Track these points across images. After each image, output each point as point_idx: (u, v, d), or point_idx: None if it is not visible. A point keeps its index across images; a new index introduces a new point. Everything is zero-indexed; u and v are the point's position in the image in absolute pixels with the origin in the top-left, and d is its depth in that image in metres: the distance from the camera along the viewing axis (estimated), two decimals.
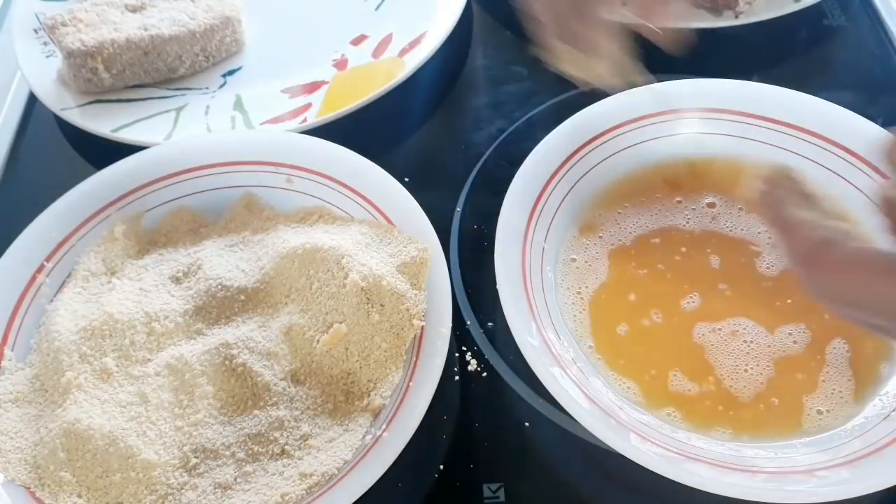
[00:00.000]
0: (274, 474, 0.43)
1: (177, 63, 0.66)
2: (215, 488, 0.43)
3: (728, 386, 0.46)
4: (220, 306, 0.49)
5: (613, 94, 0.55)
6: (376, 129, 0.64)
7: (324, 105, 0.63)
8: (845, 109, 0.53)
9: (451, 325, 0.46)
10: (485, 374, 0.50)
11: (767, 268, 0.51)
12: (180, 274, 0.51)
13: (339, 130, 0.60)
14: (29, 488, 0.43)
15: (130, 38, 0.63)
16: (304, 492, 0.42)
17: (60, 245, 0.52)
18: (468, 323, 0.52)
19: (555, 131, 0.53)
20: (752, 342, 0.47)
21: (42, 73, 0.66)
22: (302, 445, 0.44)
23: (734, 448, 0.43)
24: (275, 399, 0.45)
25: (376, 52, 0.68)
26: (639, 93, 0.56)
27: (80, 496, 0.43)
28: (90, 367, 0.46)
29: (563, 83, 0.67)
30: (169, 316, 0.48)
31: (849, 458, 0.41)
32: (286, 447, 0.44)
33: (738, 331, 0.48)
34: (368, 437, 0.44)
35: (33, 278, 0.51)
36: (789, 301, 0.49)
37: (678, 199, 0.54)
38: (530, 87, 0.68)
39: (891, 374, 0.46)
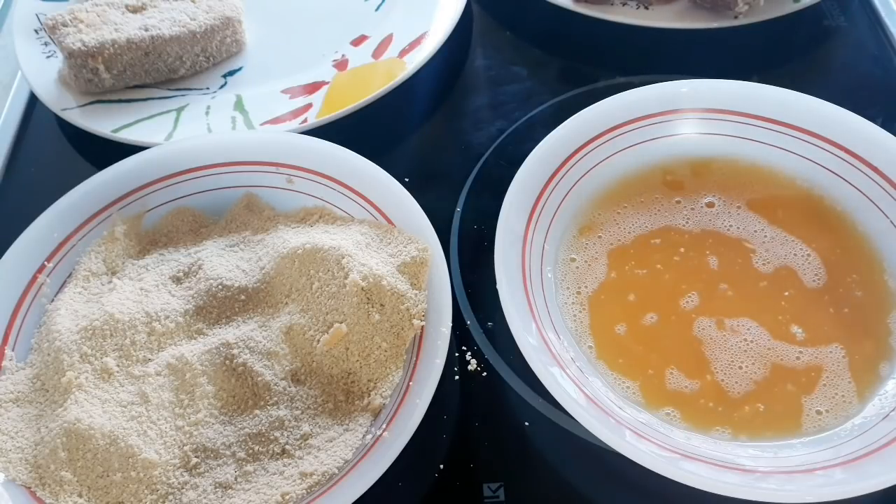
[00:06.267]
0: (274, 474, 0.43)
1: (177, 63, 0.66)
2: (216, 488, 0.43)
3: (720, 380, 0.46)
4: (220, 306, 0.49)
5: (613, 94, 0.55)
6: (376, 129, 0.64)
7: (324, 105, 0.63)
8: (845, 109, 0.53)
9: (451, 325, 0.46)
10: (485, 374, 0.50)
11: (764, 264, 0.51)
12: (181, 274, 0.51)
13: (340, 130, 0.60)
14: (30, 488, 0.43)
15: (131, 39, 0.63)
16: (304, 491, 0.42)
17: (61, 245, 0.52)
18: (468, 323, 0.52)
19: (555, 131, 0.53)
20: (752, 342, 0.47)
21: (43, 74, 0.66)
22: (302, 445, 0.44)
23: (733, 448, 0.43)
24: (275, 399, 0.45)
25: (376, 53, 0.68)
26: (639, 93, 0.56)
27: (80, 496, 0.43)
28: (91, 366, 0.46)
29: (563, 83, 0.68)
30: (169, 316, 0.48)
31: (848, 457, 0.41)
32: (286, 447, 0.44)
33: (738, 329, 0.48)
34: (369, 436, 0.44)
35: (34, 278, 0.51)
36: (789, 301, 0.49)
37: (677, 199, 0.54)
38: (530, 87, 0.68)
39: (890, 374, 0.46)
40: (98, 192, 0.54)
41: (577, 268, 0.51)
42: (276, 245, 0.50)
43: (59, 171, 0.64)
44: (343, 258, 0.47)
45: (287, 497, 0.42)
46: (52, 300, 0.51)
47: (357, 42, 0.70)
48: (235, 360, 0.46)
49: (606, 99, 0.55)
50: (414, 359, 0.46)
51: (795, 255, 0.51)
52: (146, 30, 0.64)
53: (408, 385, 0.45)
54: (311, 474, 0.42)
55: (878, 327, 0.48)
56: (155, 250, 0.54)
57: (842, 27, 0.71)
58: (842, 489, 0.39)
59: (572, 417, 0.41)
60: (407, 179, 0.53)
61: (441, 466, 0.47)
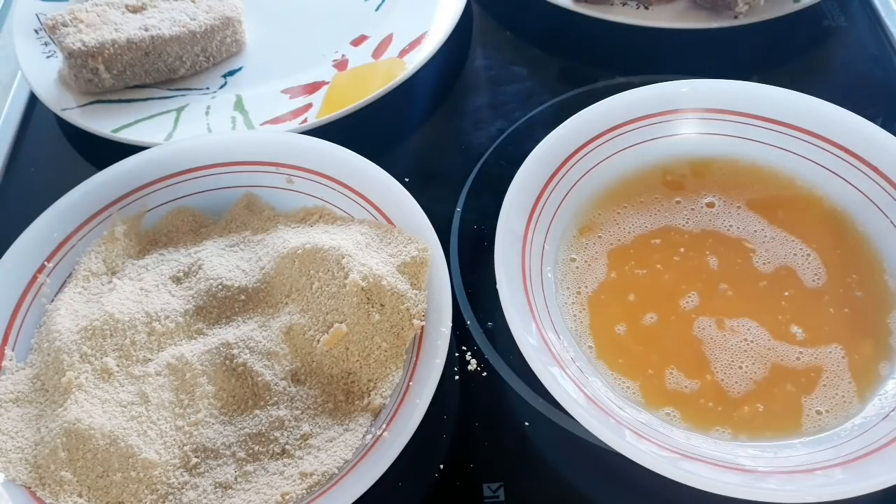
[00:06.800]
0: (274, 474, 0.43)
1: (177, 63, 0.66)
2: (216, 488, 0.43)
3: (720, 380, 0.46)
4: (220, 306, 0.49)
5: (613, 94, 0.55)
6: (376, 129, 0.64)
7: (324, 105, 0.63)
8: (845, 109, 0.53)
9: (451, 325, 0.46)
10: (485, 374, 0.50)
11: (764, 264, 0.51)
12: (181, 274, 0.51)
13: (340, 130, 0.60)
14: (30, 488, 0.43)
15: (131, 39, 0.63)
16: (304, 491, 0.42)
17: (61, 245, 0.52)
18: (468, 323, 0.52)
19: (555, 131, 0.53)
20: (752, 342, 0.47)
21: (43, 74, 0.66)
22: (302, 445, 0.44)
23: (733, 448, 0.43)
24: (275, 399, 0.45)
25: (376, 53, 0.68)
26: (639, 93, 0.56)
27: (80, 496, 0.43)
28: (91, 366, 0.46)
29: (563, 83, 0.68)
30: (169, 316, 0.48)
31: (848, 457, 0.41)
32: (286, 447, 0.44)
33: (738, 329, 0.48)
34: (369, 436, 0.44)
35: (34, 278, 0.51)
36: (789, 301, 0.49)
37: (677, 199, 0.54)
38: (530, 87, 0.68)
39: (890, 374, 0.46)
40: (98, 192, 0.54)
41: (577, 268, 0.51)
42: (276, 245, 0.50)
43: (59, 171, 0.64)
44: (343, 258, 0.47)
45: (287, 497, 0.42)
46: (52, 300, 0.51)
47: (357, 42, 0.70)
48: (235, 360, 0.46)
49: (606, 99, 0.55)
50: (414, 359, 0.46)
51: (795, 255, 0.51)
52: (146, 30, 0.64)
53: (408, 385, 0.45)
54: (311, 474, 0.42)
55: (878, 327, 0.48)
56: (155, 250, 0.54)
57: (842, 27, 0.71)
58: (842, 489, 0.39)
59: (572, 417, 0.41)
60: (407, 179, 0.53)
61: (441, 466, 0.47)
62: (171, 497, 0.43)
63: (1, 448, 0.44)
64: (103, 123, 0.63)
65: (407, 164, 0.61)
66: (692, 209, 0.54)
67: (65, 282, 0.52)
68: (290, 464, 0.43)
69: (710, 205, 0.54)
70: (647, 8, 0.68)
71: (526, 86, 0.68)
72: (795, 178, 0.54)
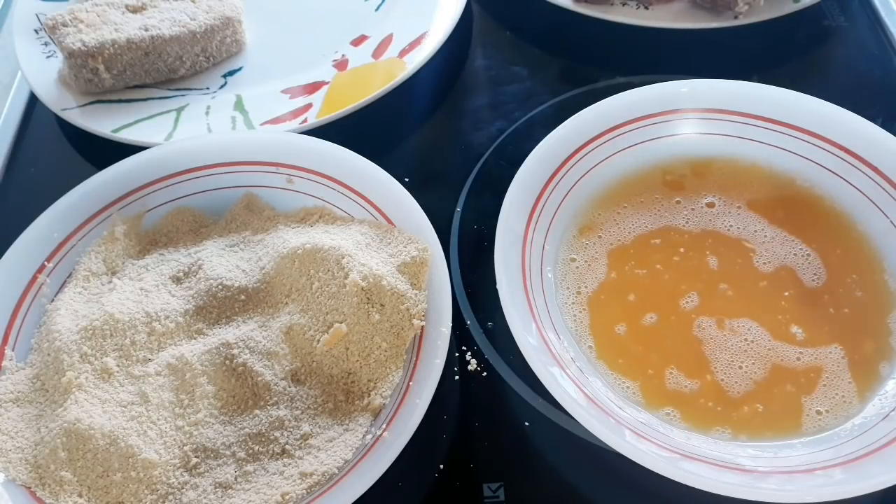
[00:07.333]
0: (274, 474, 0.43)
1: (177, 63, 0.66)
2: (216, 488, 0.43)
3: (720, 380, 0.46)
4: (220, 306, 0.49)
5: (613, 94, 0.55)
6: (376, 129, 0.64)
7: (324, 105, 0.63)
8: (845, 109, 0.53)
9: (451, 325, 0.46)
10: (485, 374, 0.50)
11: (764, 264, 0.51)
12: (181, 274, 0.51)
13: (340, 130, 0.60)
14: (30, 488, 0.43)
15: (131, 39, 0.63)
16: (304, 491, 0.42)
17: (61, 245, 0.52)
18: (468, 323, 0.52)
19: (555, 131, 0.53)
20: (752, 342, 0.47)
21: (43, 74, 0.66)
22: (302, 445, 0.44)
23: (733, 448, 0.43)
24: (275, 399, 0.45)
25: (376, 53, 0.68)
26: (639, 93, 0.56)
27: (80, 496, 0.43)
28: (91, 366, 0.46)
29: (563, 83, 0.68)
30: (170, 316, 0.48)
31: (848, 457, 0.41)
32: (287, 447, 0.44)
33: (738, 329, 0.48)
34: (369, 436, 0.44)
35: (34, 278, 0.51)
36: (789, 301, 0.49)
37: (677, 199, 0.54)
38: (530, 87, 0.68)
39: (890, 374, 0.46)
40: (98, 192, 0.54)
41: (577, 268, 0.51)
42: (276, 245, 0.50)
43: (59, 171, 0.64)
44: (343, 258, 0.47)
45: (287, 497, 0.42)
46: (52, 300, 0.51)
47: (357, 42, 0.70)
48: (235, 360, 0.46)
49: (606, 99, 0.55)
50: (414, 359, 0.46)
51: (795, 255, 0.51)
52: (146, 30, 0.64)
53: (408, 385, 0.45)
54: (311, 474, 0.42)
55: (878, 327, 0.48)
56: (155, 250, 0.54)
57: (842, 27, 0.71)
58: (842, 489, 0.39)
59: (572, 417, 0.41)
60: (407, 179, 0.53)
61: (441, 466, 0.47)
62: (171, 497, 0.43)
63: (1, 448, 0.44)
64: (103, 123, 0.63)
65: (407, 164, 0.61)
66: (692, 209, 0.54)
67: (65, 282, 0.52)
68: (290, 464, 0.43)
69: (710, 205, 0.54)
70: (647, 8, 0.68)
71: (526, 86, 0.68)
72: (795, 178, 0.54)
